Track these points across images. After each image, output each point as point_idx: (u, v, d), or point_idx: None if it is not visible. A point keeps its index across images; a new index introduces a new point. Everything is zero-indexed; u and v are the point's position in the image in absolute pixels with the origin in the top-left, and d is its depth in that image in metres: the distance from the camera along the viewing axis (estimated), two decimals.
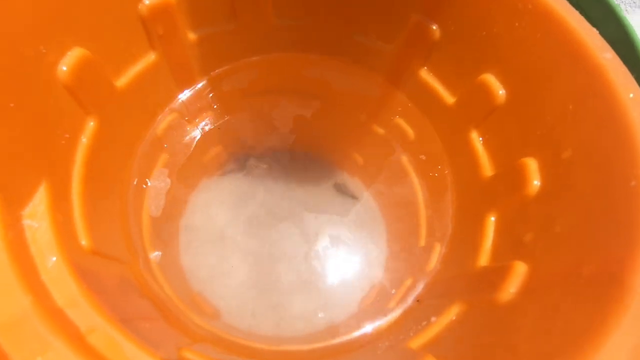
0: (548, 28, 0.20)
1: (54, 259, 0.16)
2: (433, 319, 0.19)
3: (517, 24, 0.22)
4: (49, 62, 0.18)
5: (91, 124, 0.21)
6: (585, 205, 0.16)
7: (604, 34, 0.21)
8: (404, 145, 0.32)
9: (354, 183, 0.36)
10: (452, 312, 0.19)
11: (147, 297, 0.21)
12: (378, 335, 0.22)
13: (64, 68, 0.19)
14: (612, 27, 0.20)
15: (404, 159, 0.32)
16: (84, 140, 0.21)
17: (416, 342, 0.18)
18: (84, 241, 0.18)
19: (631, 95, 0.17)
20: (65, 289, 0.15)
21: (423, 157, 0.31)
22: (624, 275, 0.12)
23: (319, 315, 0.31)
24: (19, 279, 0.13)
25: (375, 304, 0.28)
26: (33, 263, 0.15)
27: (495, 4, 0.22)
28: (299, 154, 0.36)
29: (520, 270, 0.17)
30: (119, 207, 0.24)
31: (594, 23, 0.22)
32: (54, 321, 0.13)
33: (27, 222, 0.16)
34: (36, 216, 0.16)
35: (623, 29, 0.19)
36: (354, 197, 0.33)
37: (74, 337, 0.13)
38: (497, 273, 0.18)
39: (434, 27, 0.26)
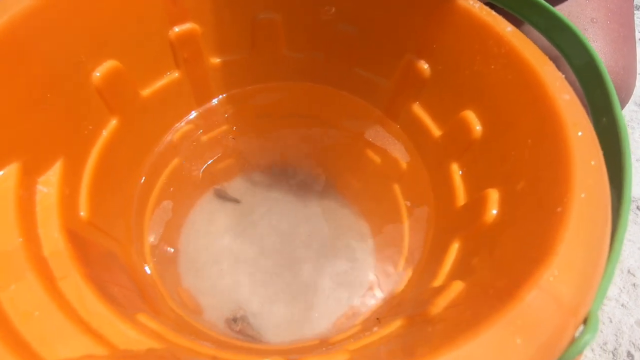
0: (517, 70, 0.22)
1: (51, 220, 0.19)
2: (375, 329, 0.19)
3: (492, 66, 0.24)
4: (86, 69, 0.23)
5: (113, 122, 0.26)
6: (521, 231, 0.17)
7: (572, 61, 0.23)
8: (397, 174, 0.33)
9: (349, 209, 0.38)
10: (393, 326, 0.19)
11: (128, 274, 0.24)
12: (330, 344, 0.22)
13: (98, 74, 0.24)
14: (580, 54, 0.22)
15: (396, 188, 0.33)
16: (105, 133, 0.25)
17: (352, 346, 0.19)
18: (83, 212, 0.22)
19: (580, 133, 0.18)
20: (53, 242, 0.18)
21: (412, 187, 0.32)
22: (517, 290, 0.13)
23: (301, 329, 0.31)
24: (18, 223, 0.17)
25: (345, 323, 0.29)
26: (34, 218, 0.18)
27: (476, 47, 0.24)
28: (300, 172, 0.39)
29: (456, 288, 0.18)
30: (125, 196, 0.28)
31: (563, 50, 0.24)
32: (34, 262, 0.16)
33: (40, 187, 0.20)
34: (48, 183, 0.20)
35: (587, 54, 0.21)
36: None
37: (47, 277, 0.16)
38: (438, 291, 0.19)
39: (425, 66, 0.28)
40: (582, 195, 0.15)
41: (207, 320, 0.30)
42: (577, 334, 0.13)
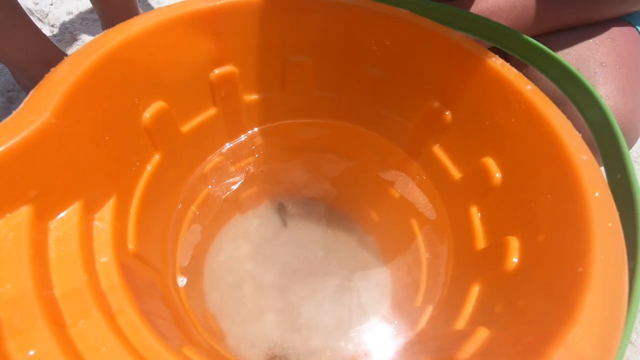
0: (536, 127, 0.24)
1: (107, 255, 0.21)
2: None
3: (513, 120, 0.25)
4: (137, 110, 0.25)
5: (156, 157, 0.27)
6: (544, 285, 0.18)
7: (588, 117, 0.24)
8: (416, 211, 0.35)
9: (368, 241, 0.39)
10: None
11: (166, 303, 0.25)
12: None
13: (147, 115, 0.26)
14: (596, 112, 0.24)
15: (414, 223, 0.35)
16: (149, 168, 0.27)
17: None
18: (130, 245, 0.23)
19: (597, 194, 0.19)
20: (110, 277, 0.20)
21: (430, 224, 0.33)
22: (545, 347, 0.14)
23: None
24: (82, 260, 0.18)
25: (365, 357, 0.30)
26: (93, 253, 0.20)
27: (497, 100, 0.26)
28: (323, 205, 0.40)
29: (481, 335, 0.19)
30: (163, 226, 0.29)
31: (580, 107, 0.26)
32: (97, 298, 0.18)
33: (96, 223, 0.21)
34: (103, 220, 0.22)
35: (603, 113, 0.23)
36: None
37: (108, 313, 0.18)
38: (463, 336, 0.20)
39: (447, 112, 0.30)
40: (601, 257, 0.17)
41: (231, 347, 0.31)
42: None
